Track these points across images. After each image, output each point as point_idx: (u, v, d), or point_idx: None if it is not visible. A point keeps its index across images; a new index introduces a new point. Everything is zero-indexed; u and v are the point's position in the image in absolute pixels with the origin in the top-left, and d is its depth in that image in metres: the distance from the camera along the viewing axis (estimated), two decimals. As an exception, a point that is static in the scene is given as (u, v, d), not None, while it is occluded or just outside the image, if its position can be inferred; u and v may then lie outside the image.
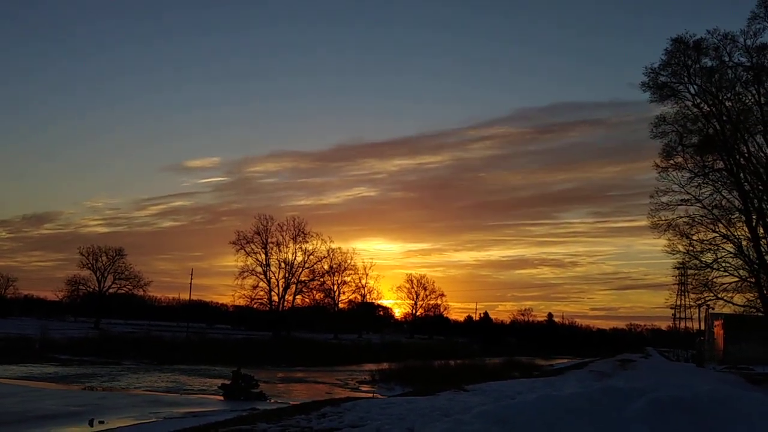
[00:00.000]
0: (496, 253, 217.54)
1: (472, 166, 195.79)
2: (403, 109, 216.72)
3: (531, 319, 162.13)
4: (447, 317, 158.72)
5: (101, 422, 19.46)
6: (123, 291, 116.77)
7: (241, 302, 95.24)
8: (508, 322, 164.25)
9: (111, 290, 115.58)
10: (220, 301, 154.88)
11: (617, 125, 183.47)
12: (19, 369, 38.65)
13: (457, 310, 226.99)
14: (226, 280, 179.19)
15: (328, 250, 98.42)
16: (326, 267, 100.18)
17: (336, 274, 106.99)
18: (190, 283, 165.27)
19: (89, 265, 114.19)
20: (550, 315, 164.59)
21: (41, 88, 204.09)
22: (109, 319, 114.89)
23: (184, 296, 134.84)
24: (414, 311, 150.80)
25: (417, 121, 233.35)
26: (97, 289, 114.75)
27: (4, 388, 27.81)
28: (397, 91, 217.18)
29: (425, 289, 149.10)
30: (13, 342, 53.21)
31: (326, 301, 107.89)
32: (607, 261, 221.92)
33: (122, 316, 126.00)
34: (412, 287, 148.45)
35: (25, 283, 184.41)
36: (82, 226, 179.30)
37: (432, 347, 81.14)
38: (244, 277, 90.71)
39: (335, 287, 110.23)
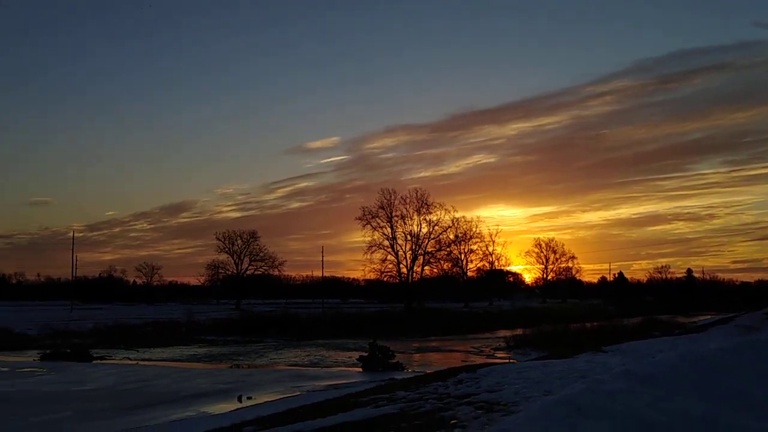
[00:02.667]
0: (625, 211, 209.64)
1: (592, 123, 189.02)
2: (516, 73, 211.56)
3: (668, 276, 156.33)
4: (579, 280, 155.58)
5: (249, 398, 20.34)
6: (259, 272, 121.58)
7: (372, 276, 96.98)
8: (644, 281, 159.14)
9: (248, 272, 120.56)
10: (352, 276, 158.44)
11: (745, 68, 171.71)
12: (169, 351, 41.01)
13: (589, 271, 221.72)
14: (355, 255, 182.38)
15: (452, 220, 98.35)
16: (452, 236, 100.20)
17: (462, 243, 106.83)
18: (322, 261, 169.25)
19: (226, 249, 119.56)
20: (689, 271, 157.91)
21: (169, 83, 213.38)
22: (248, 300, 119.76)
23: (317, 273, 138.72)
24: (545, 275, 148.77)
25: (531, 83, 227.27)
26: (235, 271, 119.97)
27: (158, 370, 29.56)
28: (508, 55, 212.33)
29: (555, 252, 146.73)
30: (163, 326, 56.47)
31: (454, 270, 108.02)
32: (747, 211, 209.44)
33: (260, 296, 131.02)
34: (541, 251, 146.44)
35: (169, 270, 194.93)
36: (216, 213, 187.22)
37: (566, 311, 79.67)
38: (372, 252, 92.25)
39: (462, 256, 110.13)
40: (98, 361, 34.10)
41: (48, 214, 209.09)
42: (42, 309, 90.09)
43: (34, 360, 34.17)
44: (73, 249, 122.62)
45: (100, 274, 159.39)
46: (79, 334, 49.73)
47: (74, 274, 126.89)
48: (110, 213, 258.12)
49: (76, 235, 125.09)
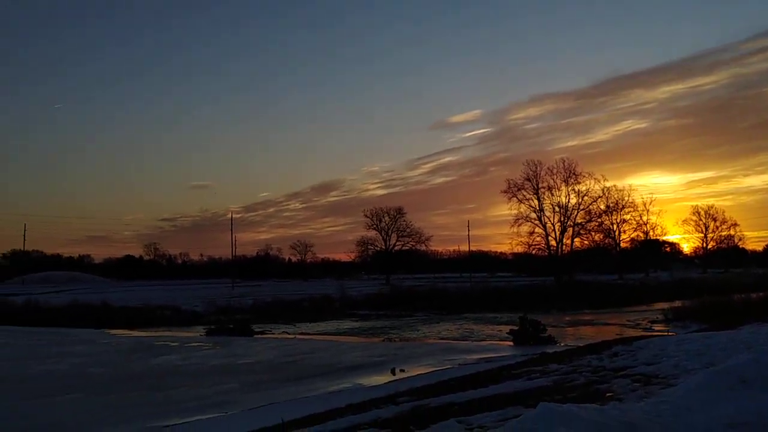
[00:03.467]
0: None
1: (753, 82, 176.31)
2: (664, 32, 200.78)
3: None
4: (743, 248, 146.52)
5: (402, 370, 20.77)
6: (407, 247, 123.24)
7: (519, 249, 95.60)
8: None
9: (396, 247, 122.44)
10: (499, 250, 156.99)
11: None
12: (324, 325, 42.47)
13: (753, 239, 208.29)
14: (501, 228, 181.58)
15: (602, 189, 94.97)
16: (602, 207, 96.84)
17: (614, 213, 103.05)
18: (468, 235, 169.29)
19: (374, 225, 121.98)
20: None
21: (314, 65, 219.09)
22: (397, 275, 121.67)
23: (464, 248, 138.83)
24: (704, 245, 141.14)
25: (682, 43, 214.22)
26: (383, 247, 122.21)
27: (315, 344, 30.73)
28: (654, 13, 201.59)
29: (715, 220, 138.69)
30: (318, 302, 58.49)
31: (606, 241, 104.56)
32: None
33: (408, 271, 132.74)
34: (700, 219, 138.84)
35: (321, 248, 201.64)
36: (363, 191, 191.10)
37: (728, 281, 75.32)
38: (519, 224, 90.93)
39: (614, 227, 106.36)
40: (259, 336, 35.85)
41: (208, 197, 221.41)
42: (205, 287, 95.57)
43: (200, 335, 36.40)
44: (232, 229, 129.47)
45: (257, 252, 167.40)
46: (240, 310, 52.48)
47: (234, 253, 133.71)
48: (265, 194, 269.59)
49: (234, 216, 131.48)
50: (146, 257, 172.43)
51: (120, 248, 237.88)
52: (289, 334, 37.41)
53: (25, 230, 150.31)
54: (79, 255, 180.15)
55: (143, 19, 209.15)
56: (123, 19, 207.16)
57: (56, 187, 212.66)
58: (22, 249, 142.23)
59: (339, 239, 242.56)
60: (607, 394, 9.13)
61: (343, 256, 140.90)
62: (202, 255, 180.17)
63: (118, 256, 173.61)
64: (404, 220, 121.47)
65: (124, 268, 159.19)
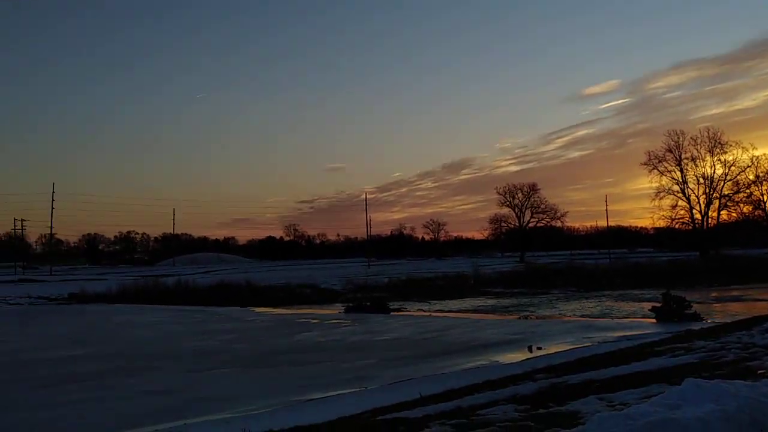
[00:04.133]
0: None
1: None
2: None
3: None
4: None
5: (539, 348, 20.56)
6: (541, 224, 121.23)
7: (661, 224, 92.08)
8: None
9: (530, 224, 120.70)
10: (639, 225, 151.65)
11: None
12: (459, 303, 42.59)
13: None
14: (641, 203, 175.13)
15: (751, 159, 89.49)
16: (751, 177, 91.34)
17: (764, 183, 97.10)
18: (606, 210, 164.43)
19: (507, 202, 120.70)
20: None
21: (440, 43, 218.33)
22: (532, 252, 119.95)
23: (601, 223, 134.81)
24: None
25: None
26: (517, 224, 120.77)
27: (450, 321, 30.89)
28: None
29: None
30: (452, 280, 58.66)
31: (757, 214, 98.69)
32: None
33: (543, 248, 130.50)
34: None
35: (453, 226, 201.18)
36: (495, 168, 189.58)
37: None
38: (660, 198, 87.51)
39: (765, 197, 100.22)
40: (395, 313, 36.43)
41: (343, 179, 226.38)
42: (342, 266, 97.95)
43: (339, 312, 37.39)
44: (366, 209, 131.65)
45: (391, 231, 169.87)
46: (376, 287, 53.47)
47: (369, 233, 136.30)
48: (397, 174, 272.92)
49: (368, 196, 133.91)
50: (287, 238, 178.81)
51: (262, 230, 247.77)
52: (424, 311, 37.80)
53: (174, 215, 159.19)
54: (225, 237, 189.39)
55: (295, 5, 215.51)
56: (271, 6, 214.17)
57: (203, 174, 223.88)
58: (172, 232, 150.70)
59: (471, 217, 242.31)
60: (759, 371, 8.69)
61: (476, 234, 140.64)
62: (338, 235, 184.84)
63: (261, 237, 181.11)
64: (538, 197, 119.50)
65: (266, 249, 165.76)
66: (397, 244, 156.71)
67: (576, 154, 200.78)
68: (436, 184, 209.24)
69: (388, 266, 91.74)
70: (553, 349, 20.12)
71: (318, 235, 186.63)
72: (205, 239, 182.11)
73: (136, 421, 12.68)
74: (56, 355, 22.64)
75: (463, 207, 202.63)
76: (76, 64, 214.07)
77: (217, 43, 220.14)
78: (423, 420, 8.30)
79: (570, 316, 32.83)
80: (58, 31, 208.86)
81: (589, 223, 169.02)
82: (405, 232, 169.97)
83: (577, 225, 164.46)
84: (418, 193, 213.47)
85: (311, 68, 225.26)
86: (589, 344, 20.95)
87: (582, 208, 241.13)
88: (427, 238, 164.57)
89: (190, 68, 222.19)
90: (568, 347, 20.48)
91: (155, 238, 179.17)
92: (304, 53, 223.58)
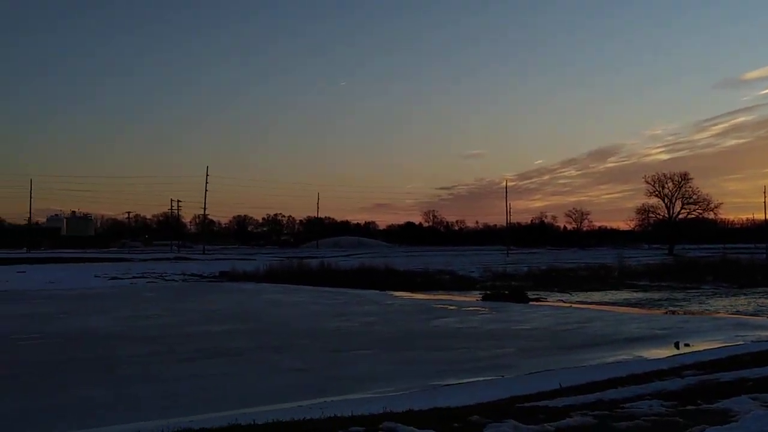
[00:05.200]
0: None
1: None
2: None
3: None
4: None
5: (686, 345, 19.65)
6: (692, 215, 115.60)
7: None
8: None
9: (680, 216, 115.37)
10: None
11: None
12: (602, 295, 41.33)
13: None
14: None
15: None
16: None
17: None
18: (764, 202, 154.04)
19: (656, 192, 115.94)
20: None
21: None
22: (682, 244, 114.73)
23: (759, 216, 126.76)
24: None
25: None
26: (666, 215, 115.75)
27: (592, 313, 30.07)
28: None
29: None
30: (594, 271, 57.08)
31: None
32: None
33: (693, 241, 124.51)
34: None
35: (598, 215, 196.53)
36: (644, 156, 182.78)
37: None
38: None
39: None
40: (534, 303, 35.86)
41: (482, 166, 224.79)
42: (481, 253, 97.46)
43: (476, 299, 37.25)
44: (506, 197, 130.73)
45: (531, 220, 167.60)
46: (515, 276, 52.87)
47: (508, 221, 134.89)
48: (539, 161, 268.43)
49: (508, 184, 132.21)
50: (425, 224, 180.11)
51: (402, 215, 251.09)
52: (564, 302, 36.97)
53: (318, 199, 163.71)
54: (365, 221, 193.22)
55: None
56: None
57: (347, 159, 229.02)
58: (316, 216, 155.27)
59: (617, 207, 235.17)
60: None
61: (622, 225, 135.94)
62: (477, 222, 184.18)
63: (400, 222, 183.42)
64: (690, 187, 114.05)
65: (406, 235, 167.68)
66: (537, 233, 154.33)
67: (732, 142, 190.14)
68: (580, 172, 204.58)
69: (527, 255, 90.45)
70: (702, 347, 19.16)
71: (457, 222, 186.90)
72: (347, 223, 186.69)
73: (279, 395, 13.19)
74: (205, 330, 23.94)
75: (608, 196, 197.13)
76: (254, 62, 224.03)
77: (352, 29, 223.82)
78: (563, 410, 8.16)
79: (721, 312, 31.11)
80: (232, 29, 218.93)
81: (745, 216, 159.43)
82: (546, 220, 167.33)
83: (731, 217, 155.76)
84: (560, 181, 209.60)
85: (450, 54, 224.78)
86: (742, 342, 19.82)
87: (738, 200, 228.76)
88: (569, 227, 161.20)
89: (334, 57, 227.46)
90: (719, 345, 19.44)
91: (300, 221, 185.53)
92: (444, 38, 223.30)
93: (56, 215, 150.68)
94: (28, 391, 14.02)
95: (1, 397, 13.50)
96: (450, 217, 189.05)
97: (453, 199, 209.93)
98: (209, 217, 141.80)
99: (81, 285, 48.03)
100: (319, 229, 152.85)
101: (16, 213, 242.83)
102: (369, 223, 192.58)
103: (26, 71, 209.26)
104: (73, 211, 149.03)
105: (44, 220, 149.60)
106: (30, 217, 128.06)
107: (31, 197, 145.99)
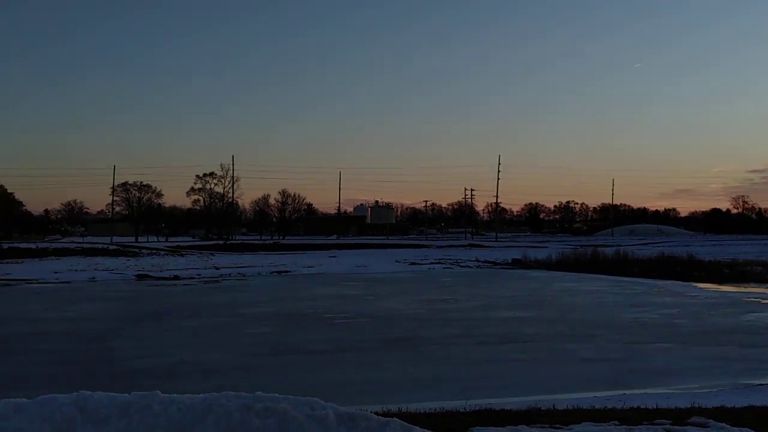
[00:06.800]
0: None
1: None
2: None
3: None
4: None
5: None
6: None
7: None
8: None
9: None
10: None
11: None
12: None
13: None
14: None
15: None
16: None
17: None
18: None
19: None
20: None
21: None
22: None
23: None
24: None
25: None
26: None
27: None
28: None
29: None
30: None
31: None
32: None
33: None
34: None
35: None
36: None
37: None
38: None
39: None
40: None
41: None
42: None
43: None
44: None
45: None
46: None
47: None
48: None
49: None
50: (734, 210, 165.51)
51: (706, 201, 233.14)
52: None
53: (613, 185, 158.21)
54: (665, 208, 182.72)
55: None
56: None
57: (643, 143, 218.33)
58: (610, 203, 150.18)
59: None
60: None
61: None
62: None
63: (704, 209, 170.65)
64: None
65: (710, 222, 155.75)
66: None
67: None
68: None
69: None
70: None
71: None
72: (644, 210, 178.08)
73: (573, 385, 13.13)
74: (499, 316, 24.47)
75: None
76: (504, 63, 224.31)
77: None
78: None
79: None
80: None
81: None
82: None
83: None
84: None
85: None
86: None
87: None
88: None
89: (623, 39, 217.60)
90: None
91: (593, 208, 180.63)
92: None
93: (361, 204, 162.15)
94: (345, 366, 15.51)
95: (321, 370, 15.10)
96: (763, 203, 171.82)
97: (767, 183, 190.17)
98: (501, 205, 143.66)
99: (385, 269, 51.45)
100: (614, 216, 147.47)
101: (327, 203, 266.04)
102: (669, 210, 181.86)
103: (342, 80, 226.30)
104: (377, 201, 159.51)
105: (351, 209, 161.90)
106: (339, 207, 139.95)
107: (340, 188, 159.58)
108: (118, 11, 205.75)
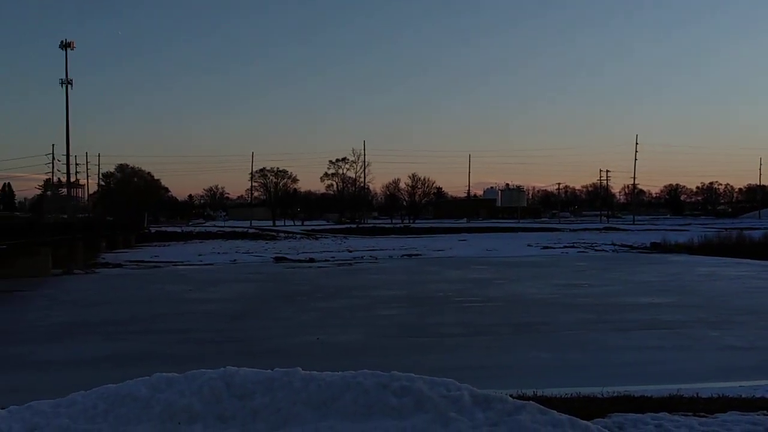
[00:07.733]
0: None
1: None
2: None
3: None
4: None
5: None
6: None
7: None
8: None
9: None
10: None
11: None
12: None
13: None
14: None
15: None
16: None
17: None
18: None
19: None
20: None
21: None
22: None
23: None
24: None
25: None
26: None
27: None
28: None
29: None
30: None
31: None
32: None
33: None
34: None
35: None
36: None
37: None
38: None
39: None
40: None
41: None
42: None
43: None
44: None
45: None
46: None
47: None
48: None
49: None
50: None
51: None
52: None
53: (760, 164, 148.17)
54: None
55: None
56: None
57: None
58: (758, 183, 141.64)
59: None
60: None
61: None
62: None
63: None
64: None
65: None
66: None
67: None
68: None
69: None
70: None
71: None
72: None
73: (717, 373, 12.58)
74: (636, 302, 23.66)
75: None
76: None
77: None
78: None
79: None
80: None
81: None
82: None
83: None
84: None
85: None
86: None
87: None
88: None
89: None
90: None
91: (739, 189, 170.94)
92: None
93: (491, 188, 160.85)
94: (477, 350, 15.54)
95: (453, 353, 15.20)
96: None
97: None
98: (639, 186, 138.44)
99: (515, 253, 50.89)
100: (761, 197, 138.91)
101: (457, 187, 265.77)
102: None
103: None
104: (507, 184, 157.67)
105: (481, 192, 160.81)
106: (468, 190, 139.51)
107: (469, 172, 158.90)
108: (263, 4, 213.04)
